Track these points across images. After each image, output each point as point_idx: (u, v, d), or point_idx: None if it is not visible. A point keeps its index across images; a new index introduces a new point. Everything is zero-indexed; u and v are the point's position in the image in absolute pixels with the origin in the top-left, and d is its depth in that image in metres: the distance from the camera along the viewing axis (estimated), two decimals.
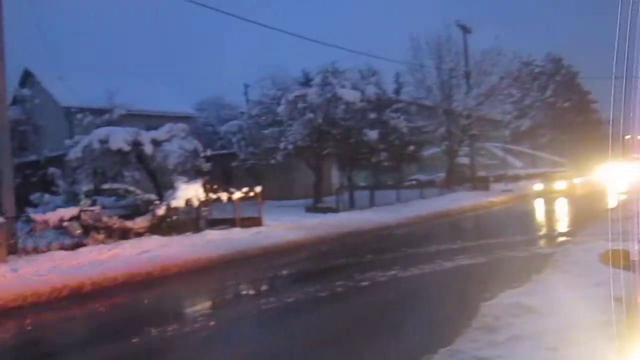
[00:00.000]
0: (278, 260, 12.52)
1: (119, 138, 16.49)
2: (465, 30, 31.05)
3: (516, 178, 38.18)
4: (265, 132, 26.63)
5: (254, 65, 38.80)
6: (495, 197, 28.20)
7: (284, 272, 11.46)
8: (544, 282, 7.01)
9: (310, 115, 23.63)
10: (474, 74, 31.46)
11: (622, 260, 3.29)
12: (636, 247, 3.30)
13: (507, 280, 7.52)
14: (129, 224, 14.46)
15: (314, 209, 23.44)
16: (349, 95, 23.53)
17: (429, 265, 9.76)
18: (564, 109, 51.38)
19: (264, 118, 27.46)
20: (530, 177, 39.45)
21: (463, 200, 25.54)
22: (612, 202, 20.15)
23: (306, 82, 27.22)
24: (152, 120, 23.31)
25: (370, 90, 24.96)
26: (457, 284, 8.64)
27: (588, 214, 17.13)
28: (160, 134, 17.63)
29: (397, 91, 31.38)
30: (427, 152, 31.48)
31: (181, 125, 18.61)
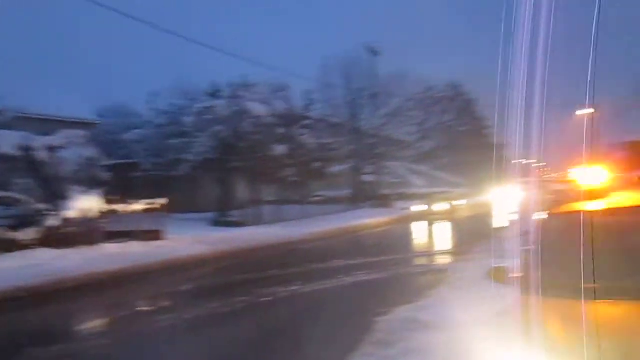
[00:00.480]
0: (179, 276, 12.12)
1: (7, 142, 15.31)
2: (373, 52, 32.20)
3: (417, 197, 39.81)
4: (171, 142, 25.90)
5: (163, 75, 37.77)
6: (396, 215, 29.14)
7: (184, 287, 11.10)
8: (438, 298, 7.33)
9: (218, 127, 23.31)
10: (381, 95, 32.65)
11: (503, 276, 3.51)
12: (515, 264, 3.54)
13: (404, 296, 7.76)
14: (15, 235, 13.40)
15: (219, 222, 23.05)
16: (258, 109, 23.53)
17: (330, 281, 9.88)
18: (462, 133, 54.55)
19: (169, 128, 26.72)
20: (431, 196, 41.31)
21: (366, 217, 26.18)
22: (502, 222, 21.51)
23: (214, 93, 26.86)
24: (48, 125, 21.86)
25: (280, 106, 25.12)
26: (355, 300, 8.80)
27: (480, 232, 18.16)
28: (55, 139, 16.58)
29: (307, 108, 31.82)
30: (334, 169, 32.08)
31: (79, 132, 17.63)
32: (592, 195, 3.70)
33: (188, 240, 16.51)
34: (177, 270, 12.72)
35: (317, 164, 27.03)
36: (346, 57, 31.31)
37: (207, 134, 23.59)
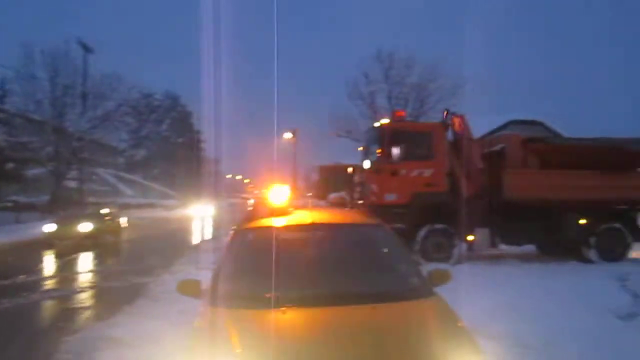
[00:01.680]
0: None
1: None
2: (86, 49, 29.70)
3: (127, 207, 38.20)
4: None
5: None
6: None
7: None
8: (134, 312, 7.06)
9: None
10: (91, 95, 30.24)
11: (194, 290, 3.56)
12: (208, 277, 3.64)
13: (98, 312, 7.25)
14: None
15: None
16: None
17: (11, 300, 8.61)
18: (178, 144, 54.70)
19: None
20: (141, 206, 40.12)
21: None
22: (211, 235, 22.14)
23: None
24: None
25: None
26: (41, 320, 7.86)
27: (190, 245, 18.35)
28: None
29: (0, 100, 27.56)
30: (32, 171, 28.43)
31: None
32: (277, 212, 4.06)
33: None
34: None
35: (10, 165, 23.58)
36: (54, 49, 28.13)
37: None
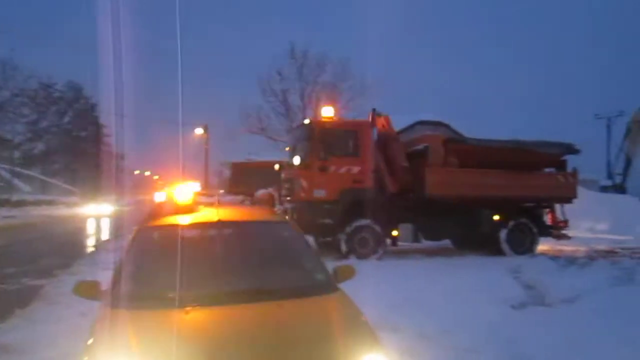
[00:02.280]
0: None
1: None
2: None
3: (23, 203, 35.74)
4: None
5: None
6: None
7: None
8: (29, 316, 6.63)
9: None
10: None
11: (93, 291, 3.40)
12: (109, 278, 3.49)
13: None
14: None
15: None
16: None
17: None
18: (80, 138, 51.82)
19: None
20: (40, 203, 37.64)
21: None
22: (114, 233, 21.19)
23: None
24: None
25: None
26: None
27: (91, 244, 17.49)
28: None
29: None
30: None
31: None
32: (183, 209, 3.97)
33: None
34: None
35: None
36: None
37: None
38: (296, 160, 11.42)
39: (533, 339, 5.16)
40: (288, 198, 12.02)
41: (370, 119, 12.40)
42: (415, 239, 12.54)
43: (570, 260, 11.97)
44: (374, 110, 12.50)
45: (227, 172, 26.31)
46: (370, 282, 7.39)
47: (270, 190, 12.42)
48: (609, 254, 13.28)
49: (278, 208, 11.62)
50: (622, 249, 14.53)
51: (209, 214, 4.04)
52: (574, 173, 13.47)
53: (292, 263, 3.91)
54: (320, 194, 11.37)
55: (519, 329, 5.54)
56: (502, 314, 6.28)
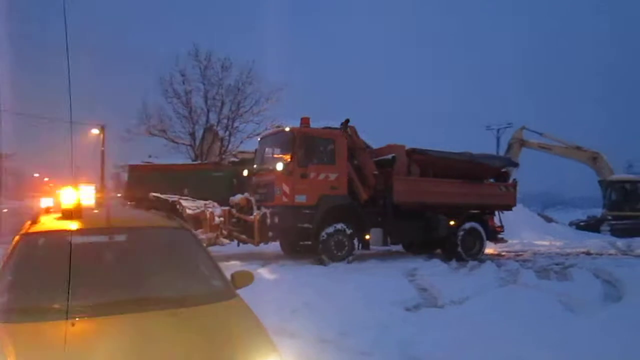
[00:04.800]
0: None
1: None
2: None
3: None
4: None
5: None
6: None
7: None
8: None
9: None
10: None
11: None
12: None
13: None
14: None
15: None
16: None
17: None
18: None
19: None
20: None
21: None
22: None
23: None
24: None
25: None
26: None
27: None
28: None
29: None
30: None
31: None
32: (72, 214, 3.70)
33: None
34: None
35: None
36: None
37: None
38: (279, 166, 11.73)
39: (424, 339, 5.39)
40: (264, 203, 12.13)
41: (344, 128, 12.96)
42: (385, 243, 13.23)
43: (461, 263, 12.79)
44: (347, 120, 13.04)
45: (124, 175, 25.18)
46: (269, 288, 7.42)
47: (246, 195, 12.34)
48: (497, 257, 14.26)
49: (257, 213, 11.68)
50: (508, 252, 15.63)
51: (100, 218, 3.82)
52: (514, 184, 15.19)
53: (188, 270, 3.79)
54: (301, 199, 11.81)
55: (411, 330, 5.77)
56: (397, 316, 6.51)
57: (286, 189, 11.72)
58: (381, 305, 6.91)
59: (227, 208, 12.20)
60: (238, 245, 12.29)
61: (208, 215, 11.59)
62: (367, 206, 12.70)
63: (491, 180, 15.06)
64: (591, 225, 25.08)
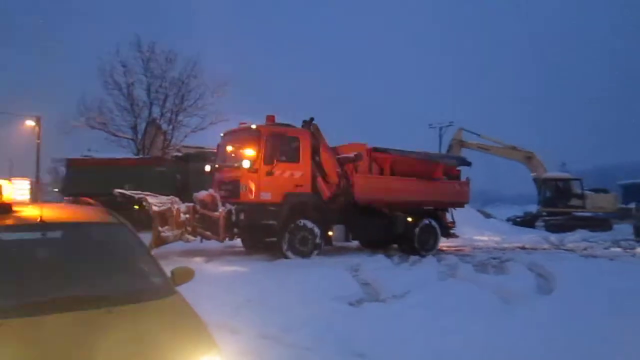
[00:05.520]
0: None
1: None
2: None
3: None
4: None
5: None
6: None
7: None
8: None
9: None
10: None
11: None
12: None
13: None
14: None
15: None
16: None
17: None
18: None
19: None
20: None
21: None
22: None
23: None
24: None
25: None
26: None
27: None
28: None
29: None
30: None
31: None
32: (3, 209, 3.52)
33: None
34: None
35: None
36: None
37: None
38: (245, 163, 11.71)
39: (365, 333, 5.48)
40: (230, 199, 12.00)
41: (308, 127, 13.04)
42: (347, 239, 13.46)
43: (403, 258, 13.08)
44: (311, 118, 13.14)
45: (62, 170, 24.17)
46: (212, 284, 7.34)
47: (211, 191, 12.08)
48: (438, 252, 14.66)
49: (222, 209, 11.48)
50: (448, 247, 16.10)
51: (31, 213, 3.65)
52: (467, 182, 15.71)
53: (125, 267, 3.68)
54: (266, 196, 11.87)
55: (353, 325, 5.83)
56: (340, 311, 6.57)
57: (252, 186, 11.78)
58: (324, 301, 6.96)
59: (191, 204, 12.09)
60: (201, 241, 12.14)
61: (174, 212, 11.40)
62: (330, 203, 12.94)
63: (445, 178, 15.49)
64: (527, 221, 26.27)
